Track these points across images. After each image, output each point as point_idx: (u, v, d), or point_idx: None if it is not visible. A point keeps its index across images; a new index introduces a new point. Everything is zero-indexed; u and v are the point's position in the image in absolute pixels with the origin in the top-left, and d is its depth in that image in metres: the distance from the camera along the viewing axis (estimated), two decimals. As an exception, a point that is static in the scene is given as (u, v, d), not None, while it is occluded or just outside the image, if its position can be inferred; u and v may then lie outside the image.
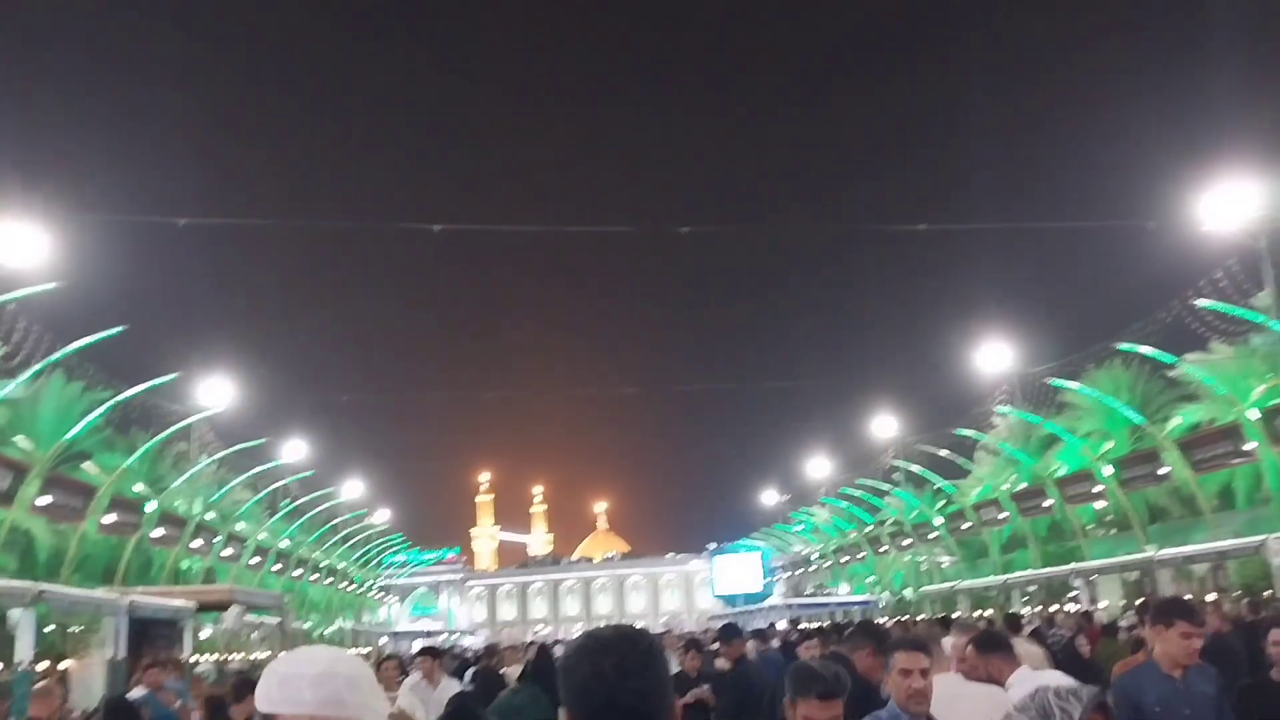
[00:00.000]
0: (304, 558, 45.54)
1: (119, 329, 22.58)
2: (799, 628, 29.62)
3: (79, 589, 23.48)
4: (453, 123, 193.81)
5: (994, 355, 36.90)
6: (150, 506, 29.74)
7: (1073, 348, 35.05)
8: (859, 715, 4.19)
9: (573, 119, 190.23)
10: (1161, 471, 28.96)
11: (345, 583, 54.26)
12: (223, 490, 35.27)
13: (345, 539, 52.37)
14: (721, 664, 9.57)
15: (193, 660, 26.26)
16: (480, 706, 7.65)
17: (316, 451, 43.09)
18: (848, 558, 56.48)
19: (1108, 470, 31.57)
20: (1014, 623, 12.62)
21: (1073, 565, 31.39)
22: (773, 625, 33.91)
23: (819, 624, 25.92)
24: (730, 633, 9.25)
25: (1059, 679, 3.89)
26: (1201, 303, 24.79)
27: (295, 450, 40.61)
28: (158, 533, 30.41)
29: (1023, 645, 10.50)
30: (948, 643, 5.42)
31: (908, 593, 50.43)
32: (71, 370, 26.15)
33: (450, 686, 9.32)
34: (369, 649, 55.47)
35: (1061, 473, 35.54)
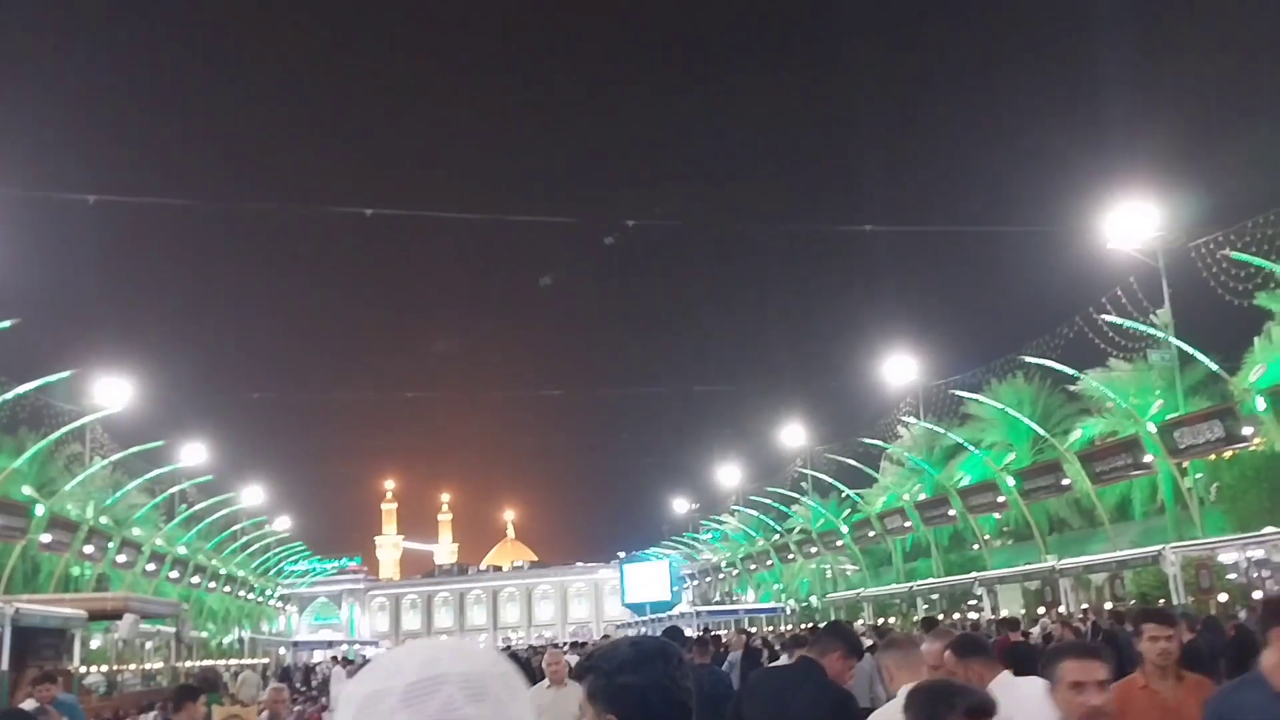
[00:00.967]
0: (202, 565, 44.16)
1: (9, 322, 21.54)
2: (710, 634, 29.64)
3: (-40, 596, 22.30)
4: (388, 101, 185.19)
5: (900, 366, 37.65)
6: (39, 510, 28.45)
7: (977, 360, 36.06)
8: None
9: (522, 105, 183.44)
10: (1064, 483, 29.79)
11: (244, 591, 52.78)
12: (118, 494, 33.95)
13: (244, 546, 51.04)
14: None
15: (83, 671, 25.18)
16: None
17: (217, 455, 41.94)
18: (755, 565, 56.97)
19: (1011, 481, 32.37)
20: (930, 627, 12.77)
21: (976, 574, 32.09)
22: (707, 631, 33.95)
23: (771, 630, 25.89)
24: (674, 635, 9.12)
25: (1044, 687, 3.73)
26: (1106, 318, 25.54)
27: (195, 453, 39.38)
28: (46, 538, 29.12)
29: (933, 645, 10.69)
30: (923, 648, 5.30)
31: (813, 599, 51.06)
32: (-44, 367, 24.89)
33: None
34: (267, 659, 54.08)
35: (965, 483, 36.35)
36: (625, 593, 71.33)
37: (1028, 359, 29.80)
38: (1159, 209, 26.58)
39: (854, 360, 42.67)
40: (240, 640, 51.79)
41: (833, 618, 40.38)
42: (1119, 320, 26.08)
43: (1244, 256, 22.69)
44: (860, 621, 34.90)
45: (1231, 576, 22.65)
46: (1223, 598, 22.32)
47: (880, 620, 35.27)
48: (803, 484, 48.03)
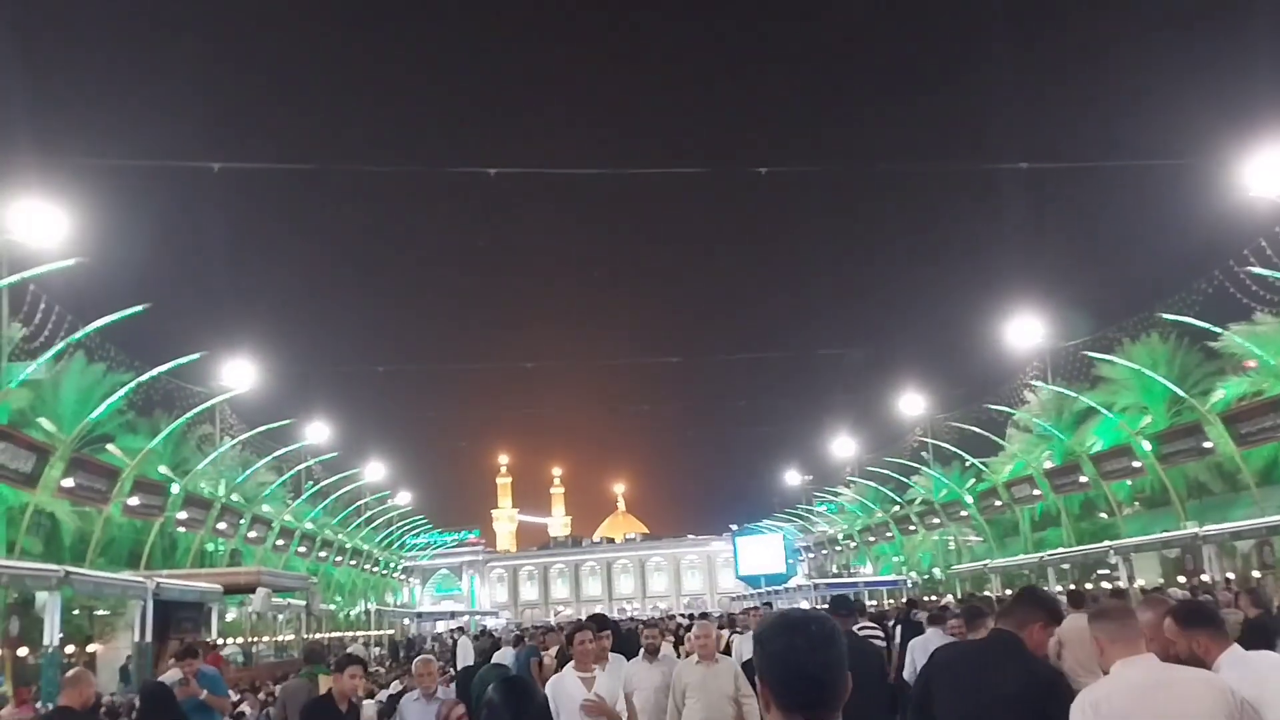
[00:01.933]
0: (328, 540, 45.33)
1: (140, 308, 22.16)
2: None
3: (104, 572, 23.23)
4: (508, 54, 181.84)
5: (1026, 328, 36.08)
6: (175, 489, 29.46)
7: (1109, 319, 34.29)
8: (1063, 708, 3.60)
9: (646, 53, 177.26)
10: (1205, 445, 28.26)
11: (369, 564, 54.08)
12: (247, 472, 34.99)
13: (368, 521, 52.20)
14: None
15: (220, 643, 26.05)
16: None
17: (340, 432, 42.84)
18: (874, 538, 55.96)
19: (1147, 445, 30.91)
20: (1077, 599, 12.03)
21: (1111, 542, 30.78)
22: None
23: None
24: (841, 605, 8.77)
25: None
26: (1250, 269, 23.97)
27: (319, 431, 40.34)
28: (182, 515, 30.16)
29: (1079, 620, 10.03)
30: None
31: (936, 571, 49.94)
32: (92, 351, 25.75)
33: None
34: (393, 630, 55.50)
35: (1097, 448, 34.88)
36: (739, 565, 70.96)
37: (1165, 316, 28.22)
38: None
39: (978, 323, 40.97)
40: (366, 612, 53.20)
41: (957, 590, 39.39)
42: (1263, 271, 24.45)
43: None
44: (986, 592, 33.92)
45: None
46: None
47: (1008, 592, 34.20)
48: (923, 453, 46.83)
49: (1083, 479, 35.05)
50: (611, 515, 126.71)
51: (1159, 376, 30.96)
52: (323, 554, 44.50)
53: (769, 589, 57.78)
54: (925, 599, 35.39)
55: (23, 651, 21.35)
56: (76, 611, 23.86)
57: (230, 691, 13.91)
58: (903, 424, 49.34)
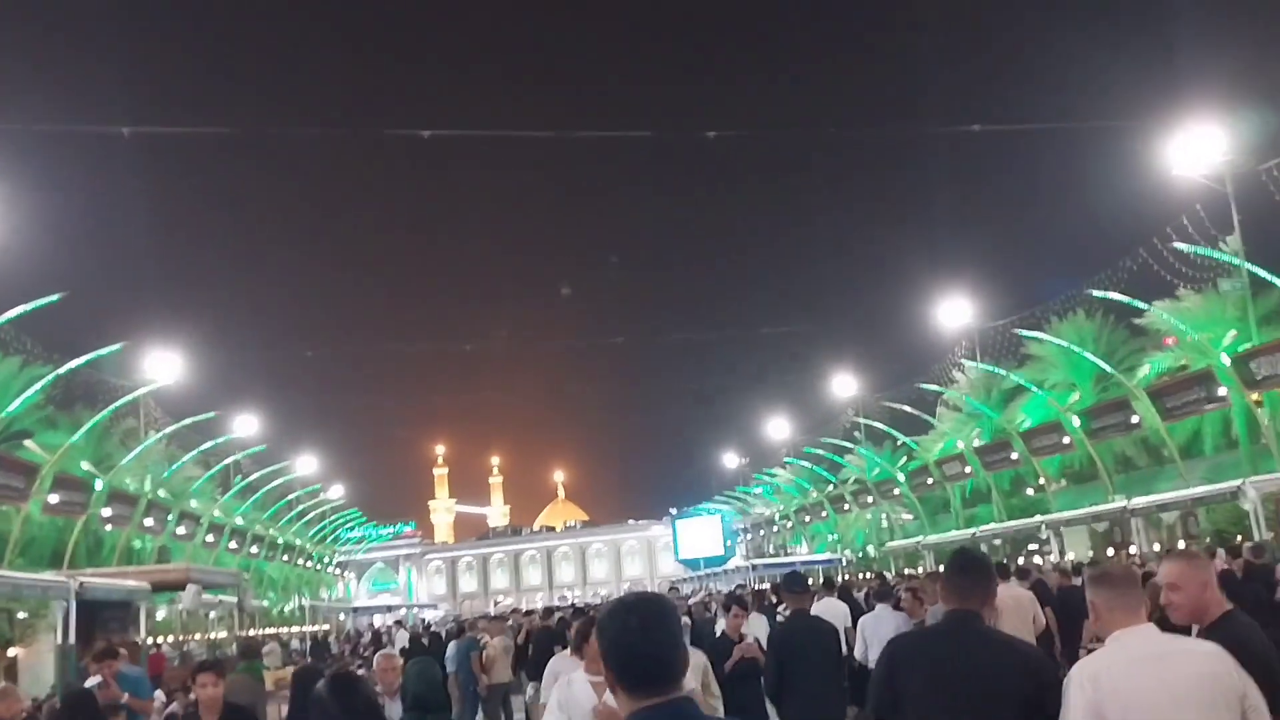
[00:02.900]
0: (260, 535, 44.46)
1: (55, 297, 21.38)
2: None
3: (24, 572, 22.41)
4: (441, 9, 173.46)
5: (955, 308, 36.56)
6: (98, 485, 28.58)
7: (1036, 298, 34.86)
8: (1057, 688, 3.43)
9: (586, 11, 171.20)
10: (1133, 420, 28.87)
11: (303, 559, 53.21)
12: (174, 467, 34.09)
13: (300, 515, 51.32)
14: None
15: (149, 643, 25.32)
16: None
17: (269, 424, 42.02)
18: (810, 518, 56.48)
19: (1076, 421, 31.49)
20: (1004, 572, 12.28)
21: (1042, 517, 31.33)
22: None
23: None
24: (794, 583, 8.61)
25: None
26: (1174, 245, 24.49)
27: (247, 424, 39.49)
28: (107, 512, 29.28)
29: (1010, 589, 10.13)
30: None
31: (870, 549, 50.54)
32: (7, 344, 24.79)
33: None
34: (328, 625, 54.65)
35: (1026, 425, 35.47)
36: (678, 549, 71.18)
37: (1093, 293, 28.74)
38: (1225, 132, 25.36)
39: (907, 305, 41.44)
40: (300, 608, 52.32)
41: (891, 567, 39.85)
42: (1187, 247, 24.99)
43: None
44: (919, 569, 34.35)
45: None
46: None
47: (941, 568, 34.68)
48: (856, 434, 47.32)
49: (1013, 455, 35.63)
50: (552, 503, 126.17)
51: (1087, 353, 31.54)
52: (254, 550, 43.64)
53: (708, 571, 57.98)
54: (861, 576, 35.83)
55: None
56: (-4, 615, 23.02)
57: (159, 693, 13.45)
58: (837, 405, 49.91)
